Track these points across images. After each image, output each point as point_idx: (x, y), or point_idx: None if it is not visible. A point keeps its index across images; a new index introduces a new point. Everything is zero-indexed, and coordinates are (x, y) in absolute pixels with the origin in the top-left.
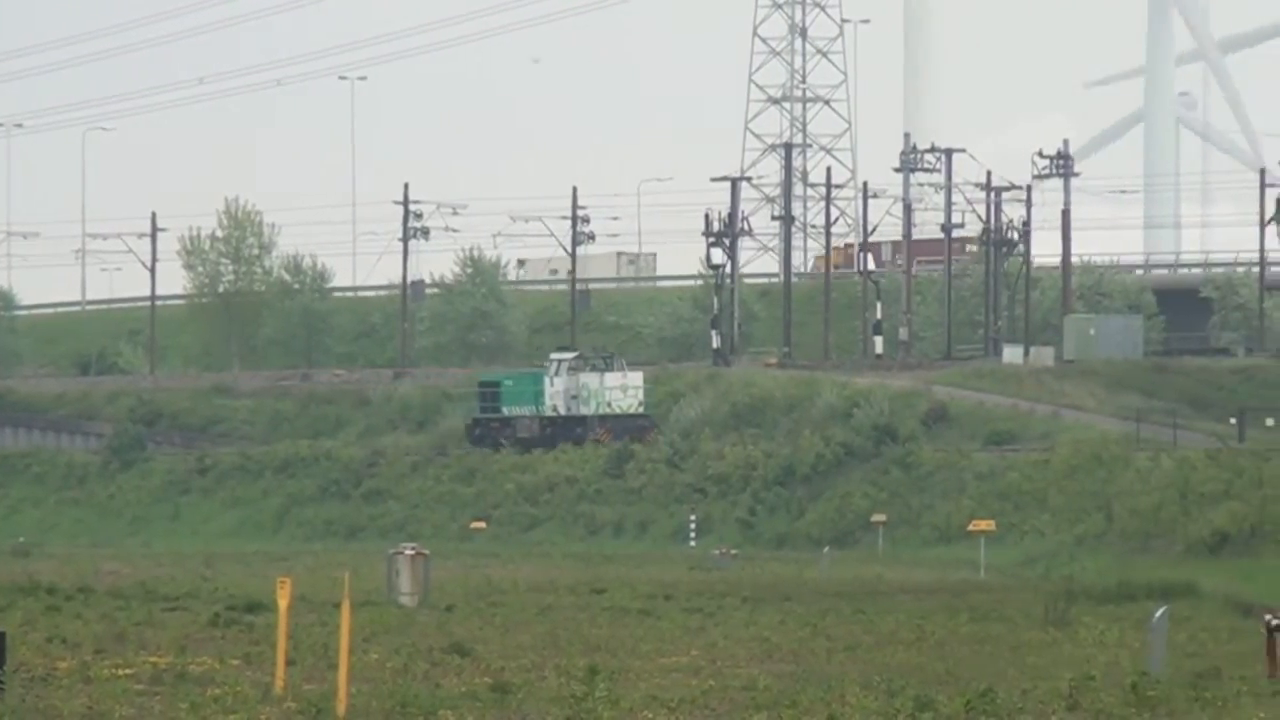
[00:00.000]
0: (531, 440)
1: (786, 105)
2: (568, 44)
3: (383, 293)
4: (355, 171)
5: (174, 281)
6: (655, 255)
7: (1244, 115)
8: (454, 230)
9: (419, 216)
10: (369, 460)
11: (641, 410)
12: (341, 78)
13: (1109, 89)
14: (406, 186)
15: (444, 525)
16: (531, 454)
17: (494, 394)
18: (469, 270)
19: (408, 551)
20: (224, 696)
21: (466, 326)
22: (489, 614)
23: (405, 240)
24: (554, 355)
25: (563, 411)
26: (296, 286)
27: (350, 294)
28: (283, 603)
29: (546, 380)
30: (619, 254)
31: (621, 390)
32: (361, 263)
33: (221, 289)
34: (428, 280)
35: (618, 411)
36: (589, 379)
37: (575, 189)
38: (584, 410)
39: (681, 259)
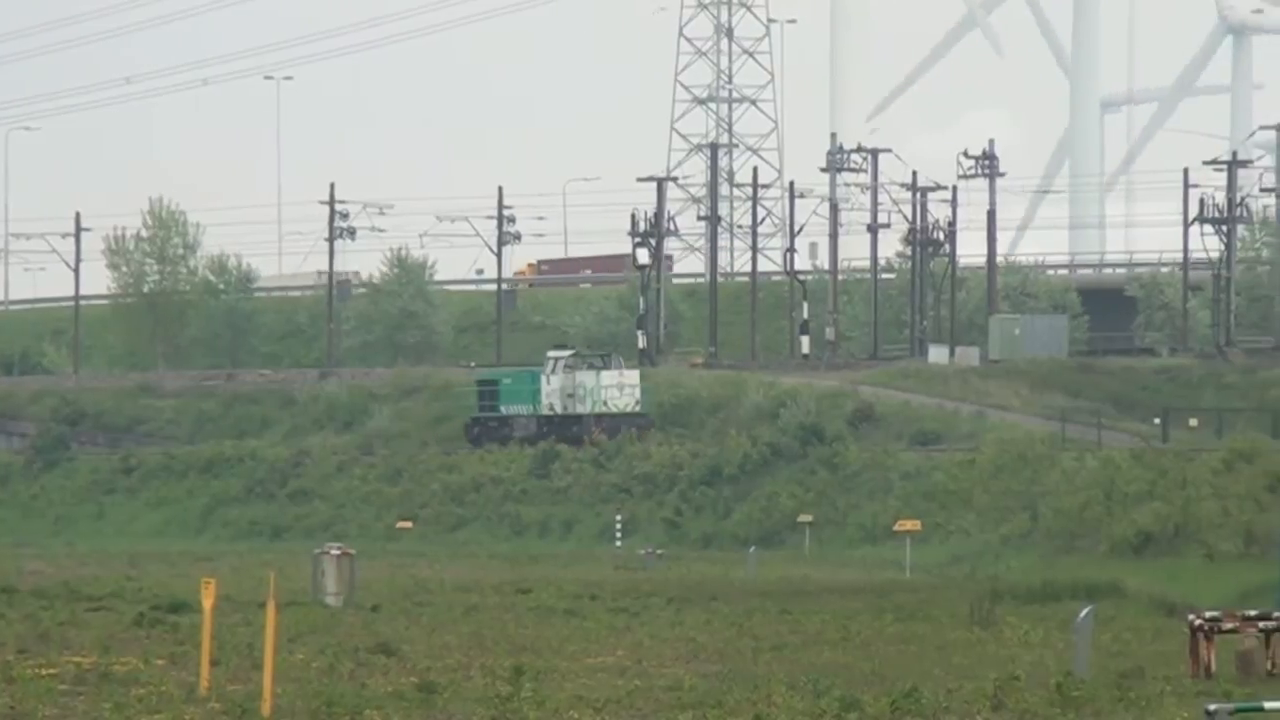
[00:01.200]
0: (529, 440)
1: (712, 105)
2: (494, 44)
3: (308, 292)
4: (281, 171)
5: (98, 281)
6: (357, 272)
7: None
8: (380, 230)
9: (345, 216)
10: (294, 460)
11: (639, 409)
12: (267, 77)
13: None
14: (332, 186)
15: (370, 525)
16: (464, 454)
17: (492, 392)
18: (396, 270)
19: (333, 551)
20: (148, 696)
21: (394, 326)
22: (415, 614)
23: (331, 240)
24: (551, 353)
25: (559, 410)
26: (221, 286)
27: (276, 294)
28: (207, 603)
29: (543, 378)
30: (319, 272)
31: (618, 389)
32: (287, 262)
33: (146, 289)
34: (354, 280)
35: (614, 410)
36: (585, 377)
37: (501, 189)
38: (580, 409)
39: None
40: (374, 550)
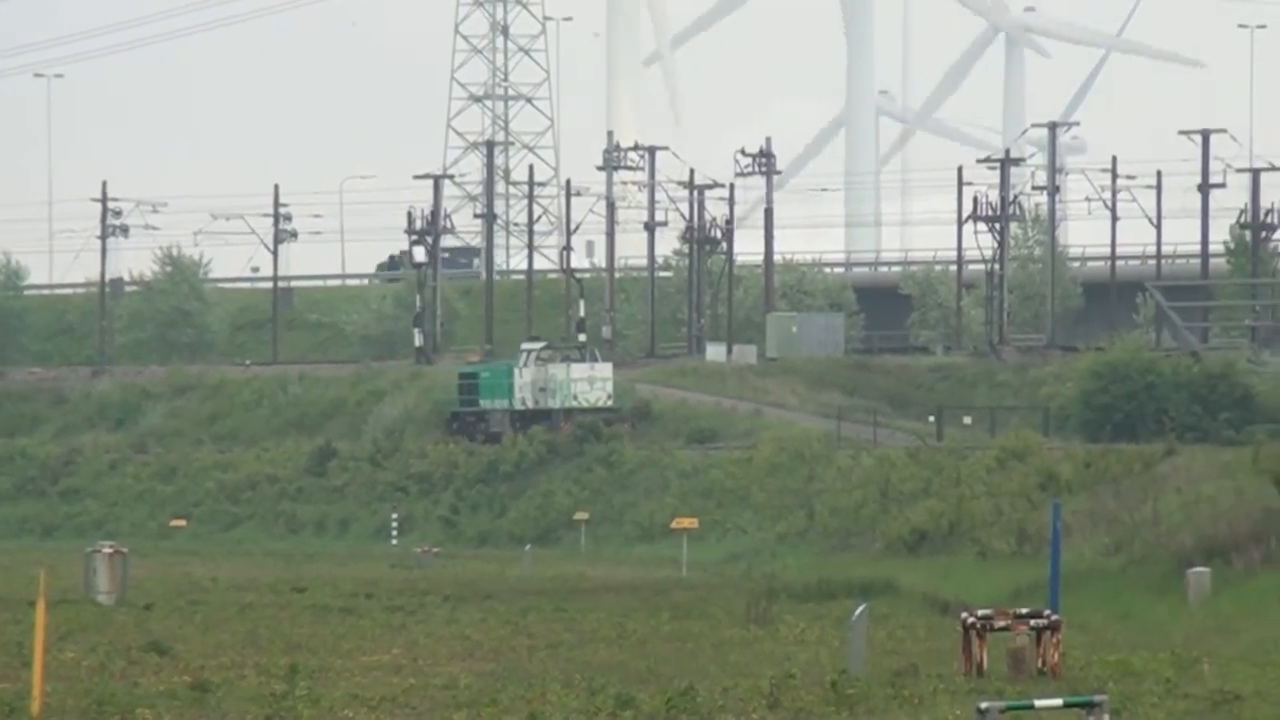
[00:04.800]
0: (503, 435)
1: (489, 103)
2: (267, 41)
3: (80, 290)
4: (52, 169)
5: None
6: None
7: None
8: (154, 228)
9: (118, 214)
10: (66, 458)
11: (610, 403)
12: (38, 75)
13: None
14: (105, 184)
15: (143, 523)
16: (238, 452)
17: (472, 386)
18: (168, 269)
19: (105, 549)
20: None
21: (166, 324)
22: (189, 612)
23: (104, 238)
24: (524, 345)
25: (530, 405)
26: None
27: (47, 291)
28: None
29: (516, 372)
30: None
31: (588, 382)
32: (58, 260)
33: None
34: (127, 278)
35: (584, 405)
36: (556, 370)
37: (277, 187)
38: (551, 403)
39: (384, 256)
40: (147, 549)
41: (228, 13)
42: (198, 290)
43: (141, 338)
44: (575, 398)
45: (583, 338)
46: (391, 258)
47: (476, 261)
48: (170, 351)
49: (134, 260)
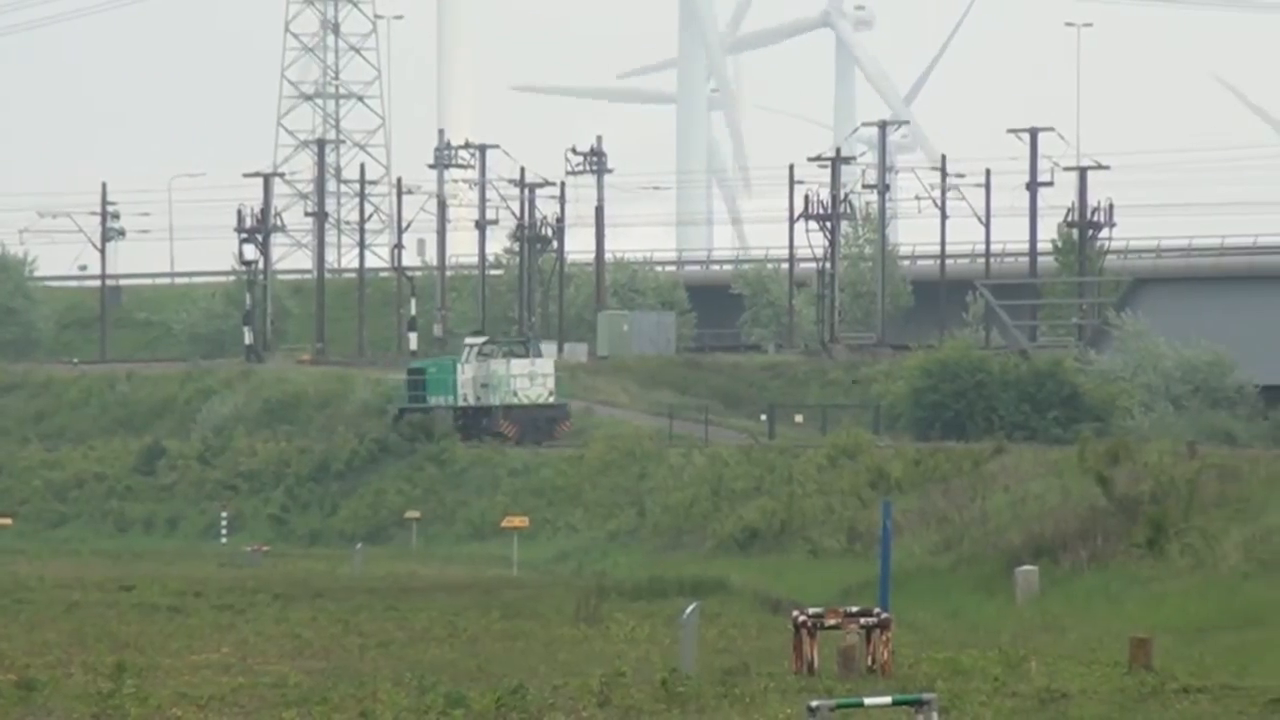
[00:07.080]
0: (445, 433)
1: (320, 101)
2: (94, 37)
3: None
4: None
5: None
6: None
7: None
8: None
9: None
10: None
11: (553, 400)
12: None
13: (644, 80)
14: None
15: None
16: (65, 450)
17: (420, 382)
18: None
19: None
20: None
21: None
22: (14, 611)
23: None
24: (467, 340)
25: (472, 401)
26: None
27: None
28: None
29: (459, 368)
30: None
31: (529, 378)
32: None
33: None
34: None
35: (525, 401)
36: (498, 366)
37: (105, 185)
38: (492, 400)
39: (213, 255)
40: None
41: (52, 10)
42: (23, 288)
43: None
44: (516, 394)
45: (414, 336)
46: None
47: None
48: None
49: None
